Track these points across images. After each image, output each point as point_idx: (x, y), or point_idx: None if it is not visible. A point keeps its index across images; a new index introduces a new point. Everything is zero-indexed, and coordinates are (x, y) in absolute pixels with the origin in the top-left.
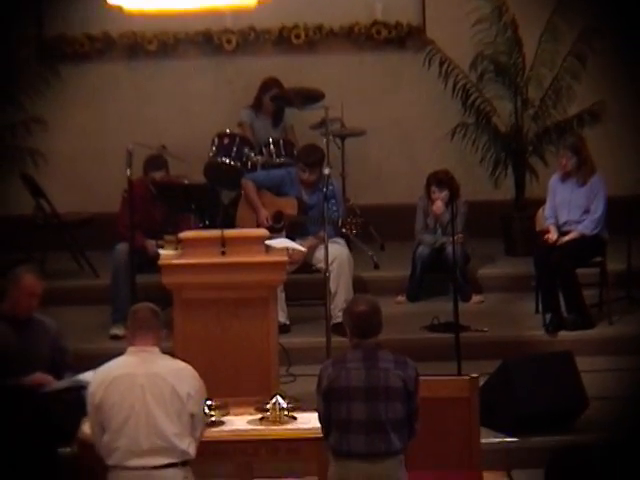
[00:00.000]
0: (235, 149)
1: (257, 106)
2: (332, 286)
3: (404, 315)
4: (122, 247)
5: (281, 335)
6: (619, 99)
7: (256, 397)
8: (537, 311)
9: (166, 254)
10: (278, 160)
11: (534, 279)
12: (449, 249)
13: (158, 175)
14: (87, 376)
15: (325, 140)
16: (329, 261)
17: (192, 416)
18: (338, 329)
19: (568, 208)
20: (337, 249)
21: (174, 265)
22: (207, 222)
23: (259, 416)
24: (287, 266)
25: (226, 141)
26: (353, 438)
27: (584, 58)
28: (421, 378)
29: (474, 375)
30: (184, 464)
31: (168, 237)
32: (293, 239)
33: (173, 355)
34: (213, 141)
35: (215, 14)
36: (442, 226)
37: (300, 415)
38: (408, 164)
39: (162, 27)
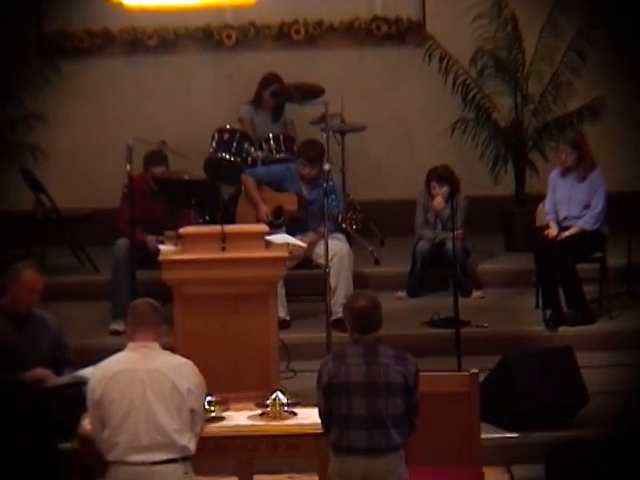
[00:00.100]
0: (235, 144)
1: (257, 101)
2: (332, 281)
3: (404, 310)
4: (122, 242)
5: (281, 330)
6: (619, 94)
7: (256, 393)
8: (537, 306)
9: (166, 250)
10: (278, 155)
11: (534, 274)
12: (449, 244)
13: (158, 170)
14: (87, 372)
15: (325, 135)
16: (329, 257)
17: (192, 412)
18: (338, 324)
19: (568, 203)
20: (337, 245)
21: (174, 261)
22: (207, 218)
23: (259, 412)
24: (287, 262)
25: (226, 136)
26: (353, 433)
27: (584, 53)
28: (421, 373)
29: (474, 370)
30: (184, 460)
31: (168, 233)
32: (293, 235)
33: (173, 351)
34: (213, 136)
35: (215, 10)
36: (442, 221)
37: (300, 411)
38: (408, 159)
39: (162, 23)
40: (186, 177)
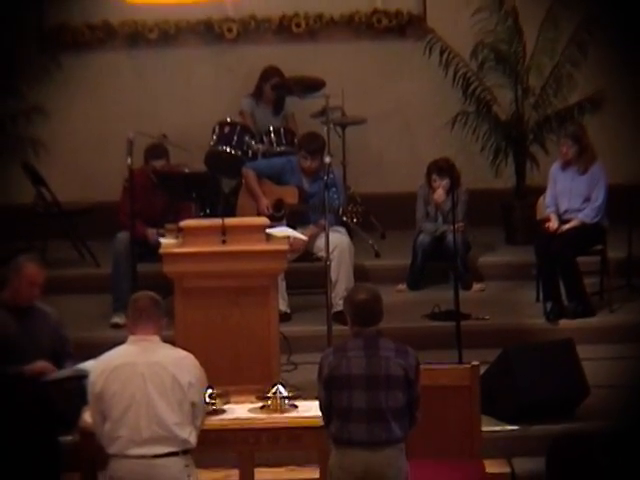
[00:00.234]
0: (236, 138)
1: (258, 95)
2: (333, 274)
3: (405, 303)
4: (123, 236)
5: (282, 323)
6: (620, 87)
7: (257, 385)
8: (538, 299)
9: (167, 243)
10: (279, 149)
11: (535, 267)
12: (450, 237)
13: (159, 164)
14: (88, 365)
15: (326, 128)
16: (330, 250)
17: (193, 405)
18: (339, 317)
19: (569, 196)
20: (338, 237)
21: (175, 254)
22: (208, 211)
23: (260, 404)
24: (288, 255)
25: (227, 130)
26: (354, 426)
27: (585, 46)
28: (422, 366)
29: (475, 363)
30: (185, 453)
31: (169, 226)
32: (294, 228)
33: (174, 344)
34: (214, 130)
35: (216, 3)
36: (443, 214)
37: (301, 403)
38: (409, 152)
39: (163, 16)
40: (187, 170)
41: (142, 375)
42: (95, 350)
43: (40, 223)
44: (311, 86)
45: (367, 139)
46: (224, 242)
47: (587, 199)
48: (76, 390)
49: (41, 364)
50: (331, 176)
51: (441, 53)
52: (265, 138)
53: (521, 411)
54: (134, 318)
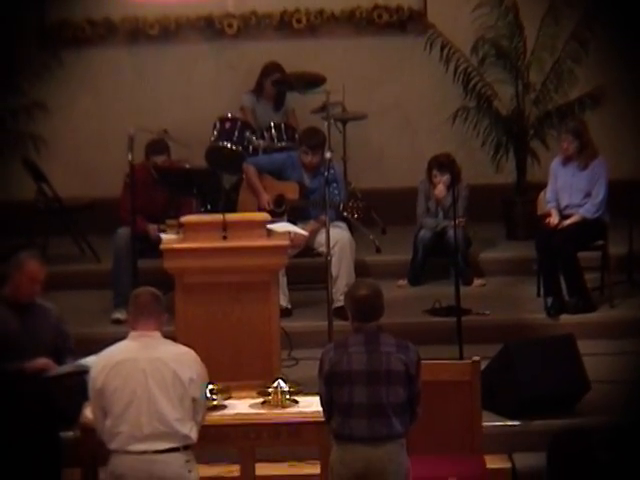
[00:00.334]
0: (237, 133)
1: (258, 90)
2: (334, 270)
3: (406, 299)
4: (124, 231)
5: (283, 319)
6: (620, 83)
7: (258, 381)
8: (539, 295)
9: (168, 238)
10: (279, 144)
11: (535, 263)
12: (450, 233)
13: (160, 159)
14: (89, 361)
15: (326, 124)
16: (331, 245)
17: (194, 401)
18: (340, 313)
19: (569, 192)
20: (339, 233)
21: (176, 249)
22: (209, 206)
23: (261, 400)
24: (289, 250)
25: (228, 125)
26: (355, 422)
27: (585, 42)
28: (423, 362)
29: (476, 359)
30: (186, 448)
31: (170, 221)
32: (295, 223)
33: (175, 340)
34: (215, 125)
35: None
36: (444, 210)
37: (302, 399)
38: (409, 148)
39: (163, 12)
40: (187, 166)
41: (143, 371)
42: (96, 346)
43: (41, 219)
44: (312, 82)
45: (368, 134)
46: (225, 238)
47: (588, 194)
48: (77, 386)
49: (42, 360)
50: (332, 171)
51: (442, 48)
52: (266, 134)
53: (522, 406)
54: (135, 314)
